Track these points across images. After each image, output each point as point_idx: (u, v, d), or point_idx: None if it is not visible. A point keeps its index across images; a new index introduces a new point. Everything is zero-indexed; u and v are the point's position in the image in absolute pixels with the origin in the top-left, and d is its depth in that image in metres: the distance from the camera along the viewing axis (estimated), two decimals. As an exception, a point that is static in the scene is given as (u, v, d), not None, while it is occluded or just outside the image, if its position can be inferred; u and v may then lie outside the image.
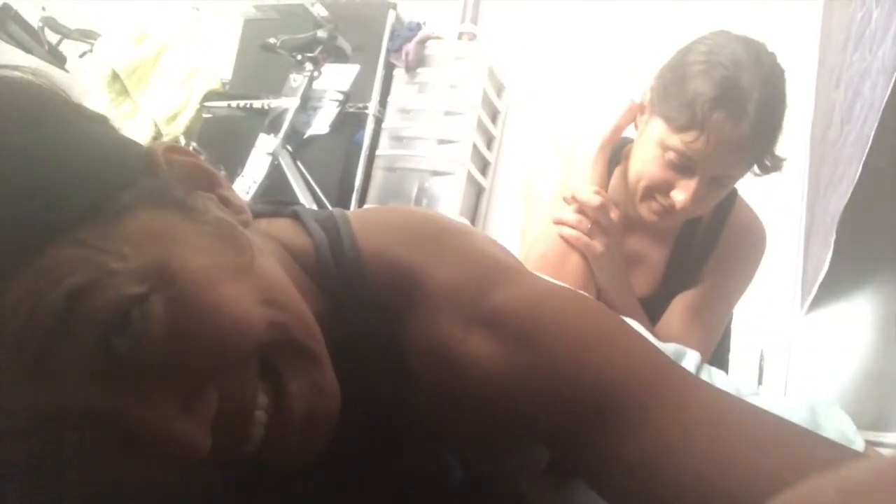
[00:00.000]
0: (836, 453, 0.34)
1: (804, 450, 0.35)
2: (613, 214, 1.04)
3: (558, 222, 1.05)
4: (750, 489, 0.33)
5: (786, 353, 2.01)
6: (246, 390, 0.36)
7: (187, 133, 3.03)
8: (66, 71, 2.69)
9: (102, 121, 0.38)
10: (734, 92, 0.94)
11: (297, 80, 2.71)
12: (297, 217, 0.48)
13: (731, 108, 0.94)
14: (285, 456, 0.38)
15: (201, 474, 0.37)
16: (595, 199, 1.02)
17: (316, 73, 2.68)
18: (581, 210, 1.03)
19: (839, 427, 0.83)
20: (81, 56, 2.82)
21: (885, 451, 1.02)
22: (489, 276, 0.43)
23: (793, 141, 1.13)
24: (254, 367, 0.36)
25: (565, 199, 1.05)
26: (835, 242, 1.17)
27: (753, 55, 0.96)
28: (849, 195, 0.95)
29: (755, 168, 1.04)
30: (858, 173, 0.91)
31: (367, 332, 0.43)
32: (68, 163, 0.33)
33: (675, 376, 0.39)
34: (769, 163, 1.03)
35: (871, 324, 1.25)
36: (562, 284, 0.48)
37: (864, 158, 0.91)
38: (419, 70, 2.87)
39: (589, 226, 1.03)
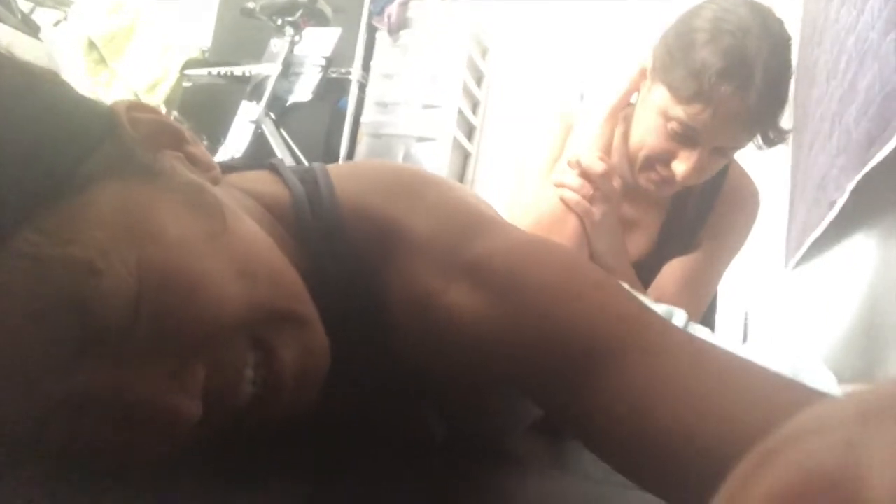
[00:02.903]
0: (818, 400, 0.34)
1: (785, 397, 0.35)
2: (616, 183, 1.04)
3: (560, 185, 1.04)
4: (730, 435, 0.33)
5: (771, 310, 2.03)
6: (235, 362, 0.36)
7: (168, 102, 2.98)
8: (40, 40, 2.63)
9: (53, 79, 0.35)
10: (741, 63, 0.91)
11: (278, 46, 2.66)
12: (274, 169, 0.47)
13: (738, 81, 0.91)
14: (274, 415, 0.38)
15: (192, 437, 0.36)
16: (599, 166, 1.01)
17: (297, 38, 2.63)
18: (584, 175, 1.03)
19: (820, 383, 0.84)
20: (56, 24, 2.75)
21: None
22: (469, 227, 0.43)
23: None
24: (242, 340, 0.36)
25: (569, 163, 1.04)
26: (818, 200, 1.17)
27: (761, 22, 0.93)
28: (875, 161, 0.94)
29: (759, 141, 1.03)
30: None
31: (346, 284, 0.43)
32: (20, 136, 0.31)
33: (656, 324, 0.39)
34: (773, 135, 1.02)
35: (856, 278, 1.27)
36: (541, 237, 0.47)
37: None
38: (402, 33, 2.82)
39: (591, 191, 1.03)
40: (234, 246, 0.36)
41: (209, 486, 0.38)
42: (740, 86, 0.92)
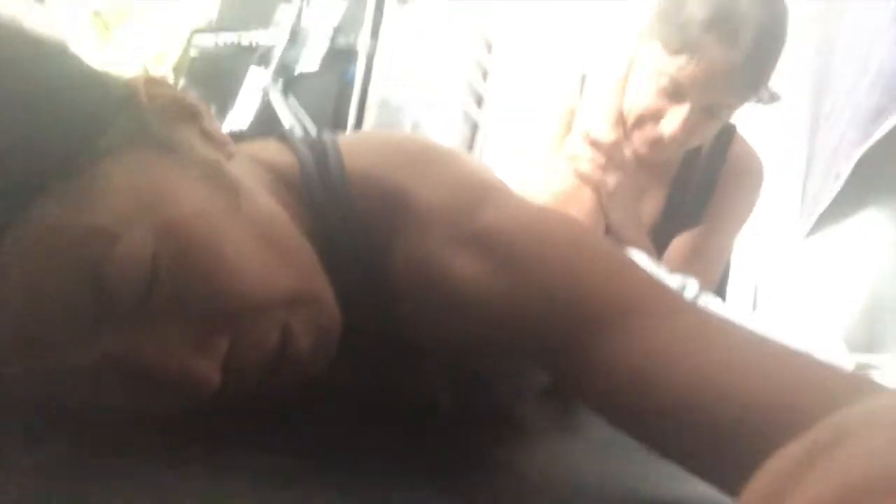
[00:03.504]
0: (828, 375, 0.34)
1: (793, 366, 0.35)
2: (627, 152, 1.04)
3: (573, 157, 1.05)
4: (735, 399, 0.33)
5: (781, 280, 2.03)
6: (260, 341, 0.36)
7: (175, 71, 2.96)
8: (43, 4, 2.60)
9: (65, 51, 0.35)
10: (730, 16, 0.92)
11: (286, 12, 2.64)
12: (283, 139, 0.47)
13: (723, 32, 0.93)
14: (284, 384, 0.39)
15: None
16: (609, 136, 1.02)
17: (305, 3, 2.61)
18: (595, 145, 1.03)
19: (829, 353, 0.84)
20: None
21: (874, 373, 1.04)
22: (477, 197, 0.43)
23: (794, 70, 1.11)
24: (267, 321, 0.36)
25: (581, 137, 1.05)
26: (829, 171, 1.16)
27: None
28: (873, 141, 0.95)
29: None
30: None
31: (354, 253, 0.43)
32: (36, 108, 0.31)
33: (662, 293, 0.40)
34: (763, 97, 1.02)
35: (866, 250, 1.26)
36: (549, 207, 0.47)
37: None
38: (411, 2, 2.78)
39: (603, 161, 1.03)
40: (252, 223, 0.37)
41: (212, 455, 0.39)
42: (725, 39, 0.93)
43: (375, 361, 0.47)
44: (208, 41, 2.92)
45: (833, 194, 1.24)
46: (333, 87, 2.84)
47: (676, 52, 0.95)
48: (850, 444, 0.15)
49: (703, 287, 0.98)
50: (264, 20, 2.71)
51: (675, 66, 0.96)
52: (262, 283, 0.36)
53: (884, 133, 0.95)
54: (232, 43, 2.82)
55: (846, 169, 1.15)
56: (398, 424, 0.47)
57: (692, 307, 0.40)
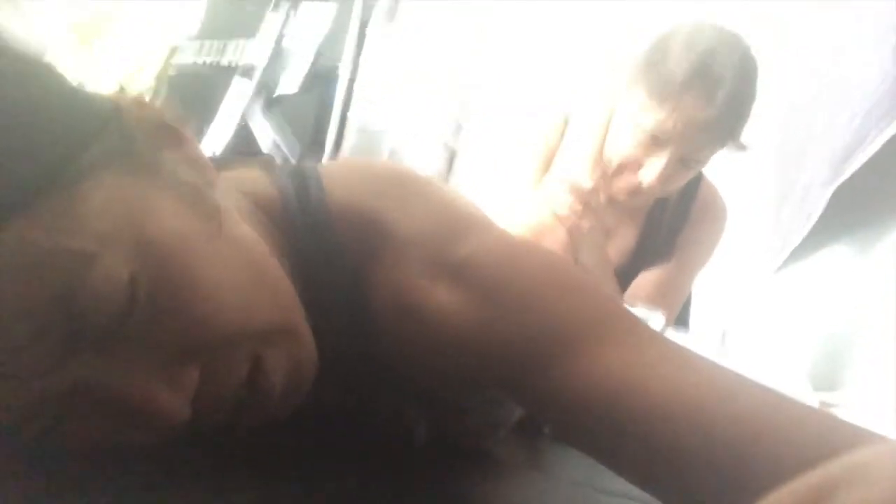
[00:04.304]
0: (793, 410, 0.35)
1: (757, 401, 0.35)
2: (602, 197, 1.08)
3: (550, 198, 1.09)
4: (703, 429, 0.34)
5: (749, 317, 2.06)
6: (231, 372, 0.36)
7: (153, 89, 2.94)
8: (21, 15, 2.58)
9: (47, 68, 0.34)
10: (706, 76, 0.99)
11: (273, 21, 2.65)
12: (264, 166, 0.47)
13: (701, 91, 1.00)
14: (258, 420, 0.38)
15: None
16: (589, 183, 1.06)
17: (292, 12, 2.63)
18: (575, 192, 1.07)
19: (794, 391, 0.86)
20: None
21: (835, 411, 1.06)
22: (455, 227, 0.43)
23: (764, 110, 1.16)
24: (240, 352, 0.36)
25: (560, 180, 1.08)
26: (800, 209, 1.19)
27: (728, 44, 1.02)
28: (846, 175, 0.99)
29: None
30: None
31: (332, 281, 0.43)
32: (15, 126, 0.30)
33: (634, 322, 0.41)
34: (733, 150, 1.08)
35: (833, 288, 1.30)
36: (526, 239, 0.48)
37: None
38: (392, 29, 2.81)
39: (580, 208, 1.07)
40: (231, 251, 0.36)
41: (181, 485, 0.39)
42: (703, 96, 1.00)
43: (350, 391, 0.46)
44: (187, 58, 2.91)
45: (805, 233, 1.29)
46: (313, 110, 2.85)
47: (655, 108, 1.01)
48: (851, 490, 0.16)
49: (666, 322, 1.02)
50: (246, 38, 2.71)
51: (654, 119, 1.02)
52: (239, 314, 0.35)
53: (852, 171, 1.00)
54: (212, 61, 2.82)
55: (818, 208, 1.19)
56: (372, 455, 0.47)
57: (663, 337, 0.40)
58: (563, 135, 1.22)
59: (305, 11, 2.67)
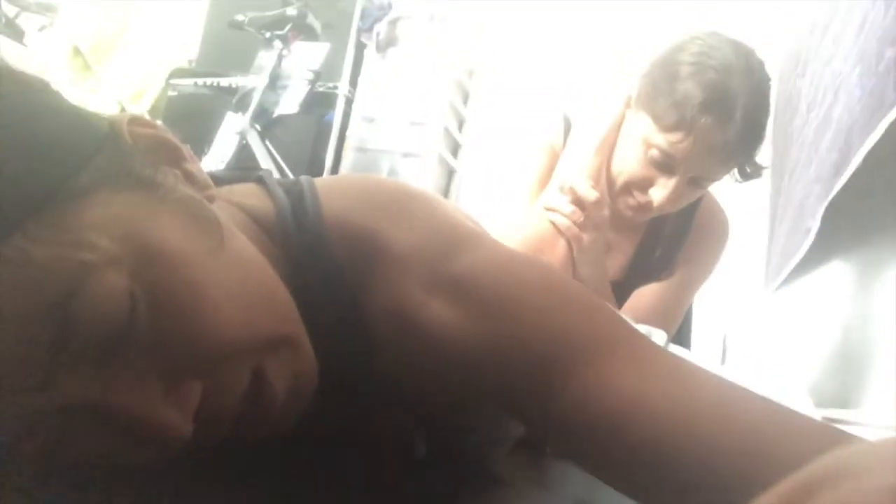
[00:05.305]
0: (798, 423, 0.35)
1: (762, 416, 0.35)
2: (605, 211, 1.06)
3: (551, 209, 1.06)
4: (704, 443, 0.34)
5: (750, 334, 2.05)
6: (233, 386, 0.36)
7: (152, 111, 2.96)
8: (24, 45, 2.61)
9: (45, 88, 0.35)
10: (723, 97, 0.95)
11: (266, 59, 2.66)
12: (261, 181, 0.47)
13: (718, 114, 0.95)
14: (258, 432, 0.38)
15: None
16: (592, 195, 1.03)
17: (285, 52, 2.64)
18: (577, 202, 1.04)
19: (796, 408, 0.85)
20: (41, 30, 2.73)
21: (846, 428, 1.05)
22: (452, 241, 0.43)
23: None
24: (241, 365, 0.36)
25: (562, 190, 1.06)
26: (797, 226, 1.19)
27: (744, 62, 0.97)
28: (840, 186, 0.98)
29: (736, 174, 1.06)
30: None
31: (330, 297, 0.43)
32: (13, 144, 0.30)
33: (636, 337, 0.40)
34: (749, 169, 1.05)
35: (834, 304, 1.29)
36: (524, 253, 0.48)
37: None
38: (390, 50, 2.84)
39: (582, 218, 1.04)
40: (232, 265, 0.36)
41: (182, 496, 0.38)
42: (720, 119, 0.96)
43: (351, 406, 0.46)
44: (187, 81, 2.93)
45: (805, 249, 1.28)
46: (312, 130, 2.87)
47: (670, 129, 0.97)
48: (832, 489, 0.16)
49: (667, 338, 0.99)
50: (244, 65, 2.73)
51: (667, 141, 0.98)
52: (241, 327, 0.35)
53: (841, 186, 0.99)
54: (211, 84, 2.84)
55: (815, 224, 1.18)
56: (372, 471, 0.46)
57: (665, 352, 0.40)
58: (564, 138, 1.18)
59: (298, 49, 2.70)
